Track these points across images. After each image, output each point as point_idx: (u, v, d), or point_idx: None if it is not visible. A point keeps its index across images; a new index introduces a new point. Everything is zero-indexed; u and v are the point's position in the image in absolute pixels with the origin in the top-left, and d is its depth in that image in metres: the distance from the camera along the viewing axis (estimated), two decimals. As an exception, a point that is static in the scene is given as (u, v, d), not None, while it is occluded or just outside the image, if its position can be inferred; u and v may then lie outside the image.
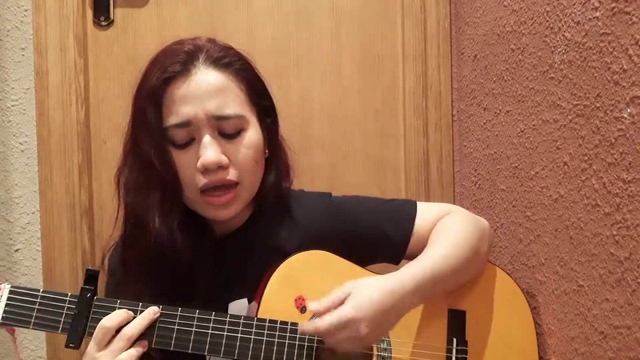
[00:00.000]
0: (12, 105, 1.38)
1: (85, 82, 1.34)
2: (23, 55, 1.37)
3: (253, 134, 0.89)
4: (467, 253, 0.89)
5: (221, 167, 0.85)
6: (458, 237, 0.90)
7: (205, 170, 0.85)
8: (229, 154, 0.86)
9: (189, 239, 0.87)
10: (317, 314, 0.80)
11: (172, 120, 0.86)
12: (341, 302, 0.79)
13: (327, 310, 0.79)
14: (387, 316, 0.80)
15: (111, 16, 1.35)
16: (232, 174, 0.86)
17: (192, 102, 0.85)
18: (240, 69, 0.90)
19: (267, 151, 0.94)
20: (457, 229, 0.92)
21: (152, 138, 0.86)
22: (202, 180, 0.85)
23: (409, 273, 0.84)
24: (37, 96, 1.33)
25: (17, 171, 1.38)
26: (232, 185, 0.87)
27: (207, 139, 0.85)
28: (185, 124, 0.85)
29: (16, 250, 1.38)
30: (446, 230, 0.92)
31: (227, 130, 0.87)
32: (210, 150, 0.84)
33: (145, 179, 0.87)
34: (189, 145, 0.87)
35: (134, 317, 0.79)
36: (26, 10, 1.36)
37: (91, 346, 0.78)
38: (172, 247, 0.86)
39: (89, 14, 1.35)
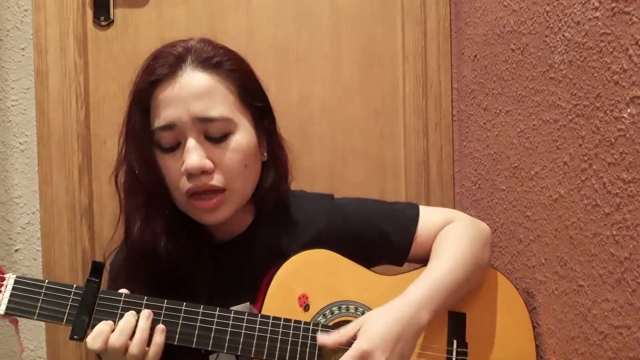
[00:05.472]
0: (12, 105, 1.38)
1: (85, 82, 1.34)
2: (23, 55, 1.37)
3: (242, 138, 0.87)
4: (471, 266, 0.90)
5: (205, 172, 0.84)
6: (461, 249, 0.90)
7: (190, 175, 0.83)
8: (214, 158, 0.85)
9: (179, 244, 0.87)
10: (325, 347, 0.81)
11: (157, 123, 0.85)
12: (351, 337, 0.80)
13: (337, 343, 0.80)
14: (401, 340, 0.80)
15: (111, 16, 1.35)
16: (217, 179, 0.85)
17: (176, 105, 0.84)
18: (231, 69, 0.88)
19: (265, 154, 0.92)
20: (461, 240, 0.92)
21: (136, 142, 0.86)
22: (186, 185, 0.84)
23: (415, 292, 0.84)
24: (37, 96, 1.33)
25: (17, 171, 1.38)
26: (219, 190, 0.85)
27: (191, 142, 0.84)
28: (170, 127, 0.84)
29: (16, 250, 1.38)
30: (449, 243, 0.92)
31: (213, 134, 0.85)
32: (193, 155, 0.83)
33: (132, 183, 0.87)
34: (176, 149, 0.86)
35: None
36: (26, 10, 1.36)
37: None
38: (154, 251, 0.85)
39: (89, 14, 1.34)
